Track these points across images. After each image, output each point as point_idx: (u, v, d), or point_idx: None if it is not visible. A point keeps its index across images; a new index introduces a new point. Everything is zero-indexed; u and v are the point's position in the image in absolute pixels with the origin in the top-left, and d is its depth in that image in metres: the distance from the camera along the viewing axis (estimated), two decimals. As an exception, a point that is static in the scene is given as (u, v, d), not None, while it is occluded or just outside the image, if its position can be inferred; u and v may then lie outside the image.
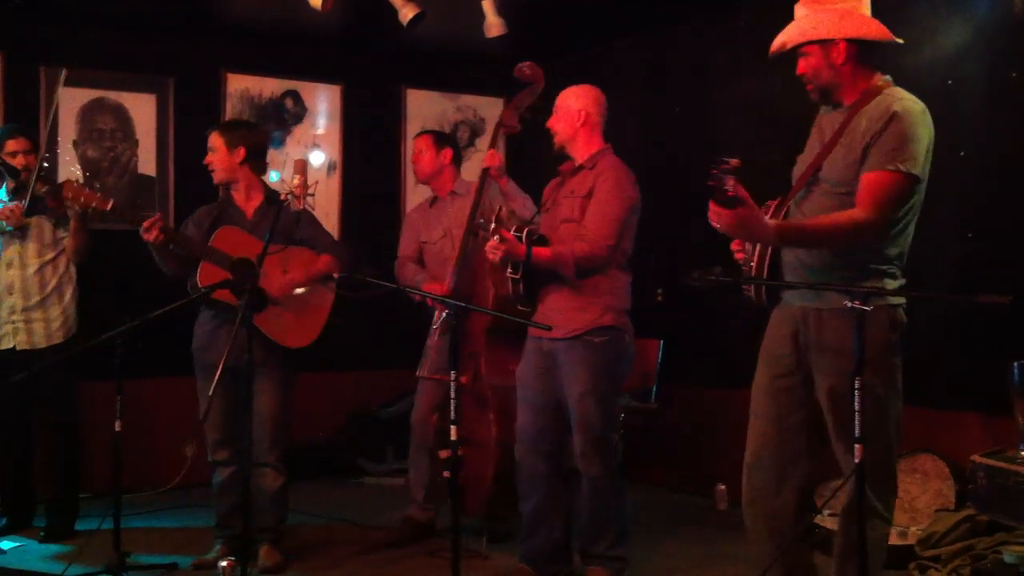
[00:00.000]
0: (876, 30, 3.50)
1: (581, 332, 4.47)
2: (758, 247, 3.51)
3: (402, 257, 5.65)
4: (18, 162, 5.41)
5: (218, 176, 5.11)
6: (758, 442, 3.72)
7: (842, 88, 3.52)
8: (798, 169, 3.68)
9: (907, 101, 3.43)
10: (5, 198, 5.38)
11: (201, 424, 4.76)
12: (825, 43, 3.47)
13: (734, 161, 3.16)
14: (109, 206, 4.83)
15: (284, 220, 4.80)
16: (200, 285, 4.76)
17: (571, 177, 4.62)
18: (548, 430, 4.59)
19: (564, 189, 4.62)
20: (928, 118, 3.45)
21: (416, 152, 5.68)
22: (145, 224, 4.74)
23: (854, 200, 3.39)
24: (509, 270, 4.44)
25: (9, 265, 5.45)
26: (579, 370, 4.47)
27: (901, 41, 3.53)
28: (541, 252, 4.42)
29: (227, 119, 6.88)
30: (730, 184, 3.16)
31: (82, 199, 4.81)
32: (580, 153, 4.62)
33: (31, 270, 5.43)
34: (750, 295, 3.61)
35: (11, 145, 5.45)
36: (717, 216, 3.28)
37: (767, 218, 3.37)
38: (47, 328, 5.45)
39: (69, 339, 5.47)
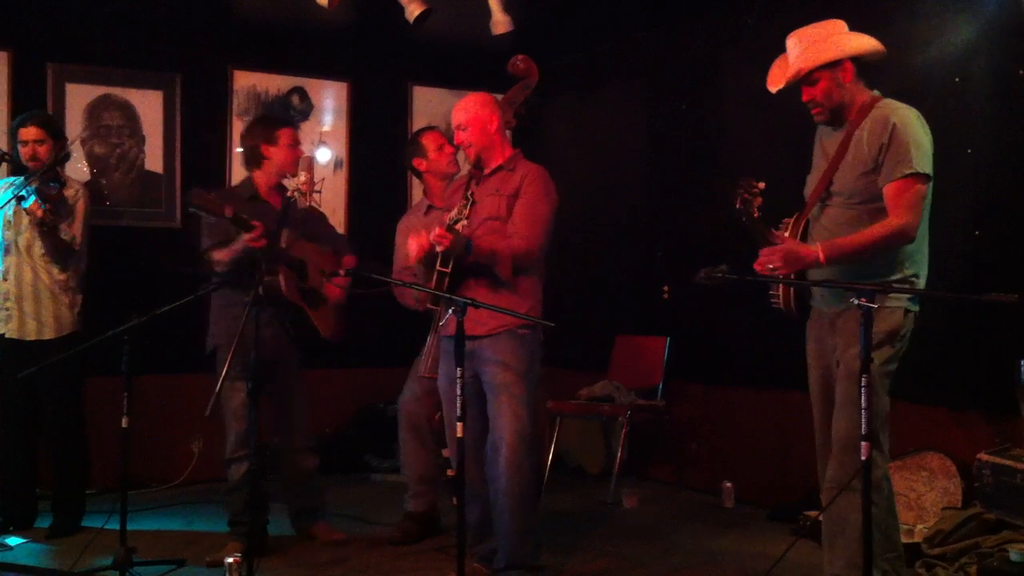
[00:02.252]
0: (872, 43, 3.83)
1: (506, 328, 4.46)
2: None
3: (398, 269, 5.53)
4: (26, 151, 5.37)
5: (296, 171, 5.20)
6: (820, 435, 4.01)
7: (848, 106, 3.82)
8: (809, 186, 3.98)
9: (902, 111, 3.76)
10: (22, 189, 5.32)
11: (208, 420, 4.79)
12: (833, 66, 3.78)
13: (760, 185, 3.58)
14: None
15: (301, 217, 4.96)
16: (285, 293, 4.93)
17: (488, 178, 4.62)
18: (485, 435, 4.54)
19: (484, 188, 4.61)
20: (923, 121, 3.76)
21: (443, 146, 5.56)
22: (256, 234, 4.76)
23: (867, 208, 3.72)
24: (439, 264, 4.41)
25: (7, 251, 5.43)
26: (506, 362, 4.45)
27: (886, 52, 3.86)
28: (482, 245, 4.41)
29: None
30: (756, 205, 3.61)
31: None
32: (496, 158, 4.63)
33: (24, 261, 5.39)
34: (779, 306, 3.91)
35: (22, 134, 5.40)
36: (770, 259, 3.66)
37: (809, 245, 3.71)
38: (37, 322, 5.40)
39: (61, 337, 5.41)
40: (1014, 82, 4.93)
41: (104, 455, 5.67)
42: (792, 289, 3.87)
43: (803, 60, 3.81)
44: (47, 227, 5.24)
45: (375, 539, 5.44)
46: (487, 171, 4.63)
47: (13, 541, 5.32)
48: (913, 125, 3.72)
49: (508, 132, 4.79)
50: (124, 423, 4.48)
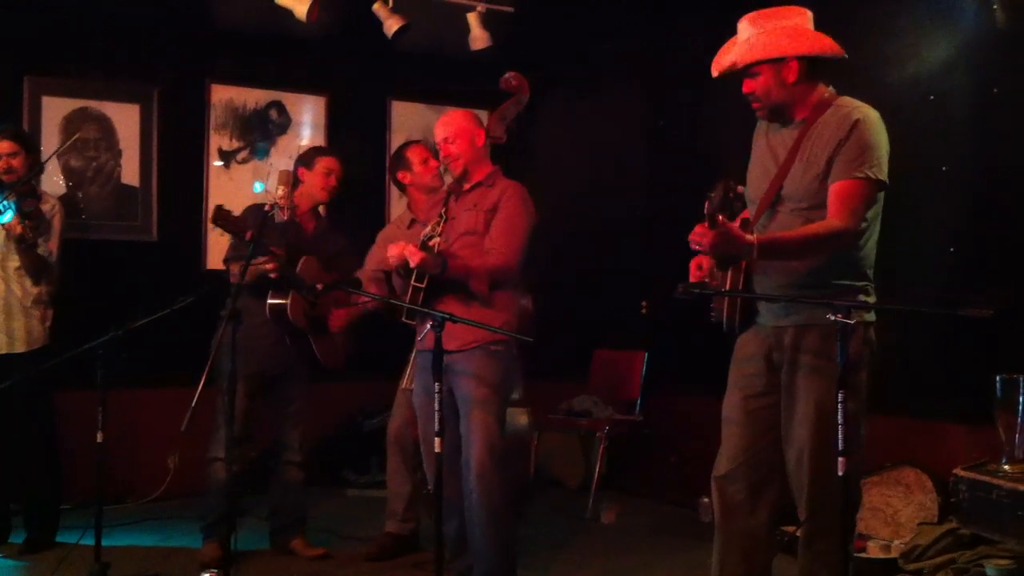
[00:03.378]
0: (828, 46, 3.47)
1: (479, 344, 4.46)
2: (729, 274, 3.51)
3: (366, 273, 5.49)
4: (1, 166, 5.29)
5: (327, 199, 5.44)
6: (732, 455, 3.68)
7: (793, 105, 3.51)
8: (754, 188, 3.65)
9: (865, 108, 3.44)
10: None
11: (184, 435, 4.82)
12: (776, 62, 3.44)
13: (740, 189, 3.26)
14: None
15: (331, 248, 5.27)
16: (291, 318, 5.07)
17: (467, 193, 4.64)
18: (460, 449, 4.52)
19: (462, 203, 4.62)
20: (883, 125, 3.46)
21: (428, 160, 5.56)
22: (269, 259, 4.89)
23: (818, 215, 3.40)
24: (414, 279, 4.43)
25: None
26: (479, 377, 4.45)
27: (846, 56, 3.49)
28: (456, 263, 4.43)
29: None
30: (722, 213, 3.19)
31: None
32: (478, 174, 4.65)
33: None
34: (720, 319, 3.62)
35: None
36: (700, 236, 3.27)
37: (746, 235, 3.32)
38: (8, 335, 5.33)
39: (33, 351, 5.35)
40: (989, 100, 4.97)
41: (79, 470, 5.61)
42: (740, 302, 3.56)
43: (741, 53, 3.46)
44: (27, 244, 5.21)
45: (351, 554, 5.41)
46: (467, 186, 4.63)
47: (-14, 556, 5.28)
48: (876, 126, 3.41)
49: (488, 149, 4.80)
50: (99, 437, 4.46)
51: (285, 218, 4.87)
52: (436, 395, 3.93)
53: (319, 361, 5.31)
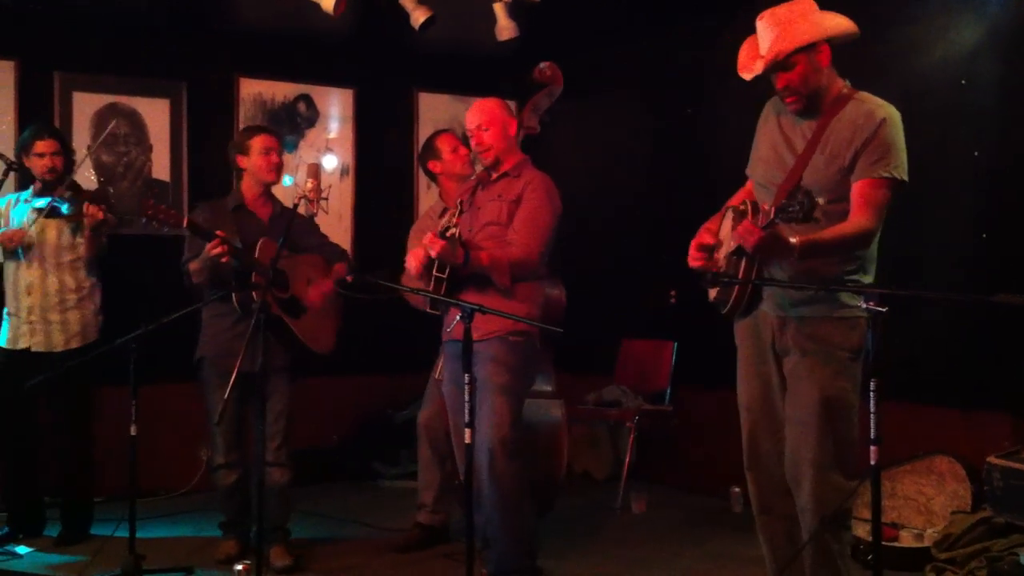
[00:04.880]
0: (849, 23, 3.52)
1: (499, 334, 4.46)
2: (744, 261, 3.54)
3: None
4: (44, 164, 5.34)
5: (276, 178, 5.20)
6: (752, 444, 3.75)
7: (826, 92, 3.53)
8: (765, 174, 3.69)
9: (889, 108, 3.49)
10: (34, 203, 5.33)
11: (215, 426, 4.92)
12: (809, 49, 3.47)
13: (821, 201, 3.26)
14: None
15: (300, 227, 4.92)
16: (256, 299, 4.79)
17: (494, 183, 4.63)
18: None
19: (488, 193, 4.63)
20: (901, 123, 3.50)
21: (457, 148, 5.54)
22: (214, 244, 4.75)
23: (837, 207, 3.44)
24: (435, 270, 4.43)
25: (29, 265, 5.37)
26: (496, 364, 4.45)
27: (858, 31, 3.53)
28: (479, 256, 4.42)
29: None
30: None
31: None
32: (507, 163, 4.64)
33: (50, 272, 5.36)
34: (724, 300, 3.65)
35: (39, 146, 5.36)
36: (748, 233, 3.33)
37: (788, 236, 3.35)
38: (64, 332, 5.38)
39: (87, 345, 5.39)
40: (1020, 83, 4.93)
41: (112, 463, 5.66)
42: (750, 290, 3.61)
43: (780, 42, 3.46)
44: (106, 229, 5.30)
45: (381, 546, 5.43)
46: (495, 176, 4.63)
47: (22, 550, 5.32)
48: (899, 126, 3.46)
49: (521, 138, 4.80)
50: (133, 431, 4.49)
51: (314, 211, 4.87)
52: (466, 386, 3.93)
53: (307, 347, 5.08)
